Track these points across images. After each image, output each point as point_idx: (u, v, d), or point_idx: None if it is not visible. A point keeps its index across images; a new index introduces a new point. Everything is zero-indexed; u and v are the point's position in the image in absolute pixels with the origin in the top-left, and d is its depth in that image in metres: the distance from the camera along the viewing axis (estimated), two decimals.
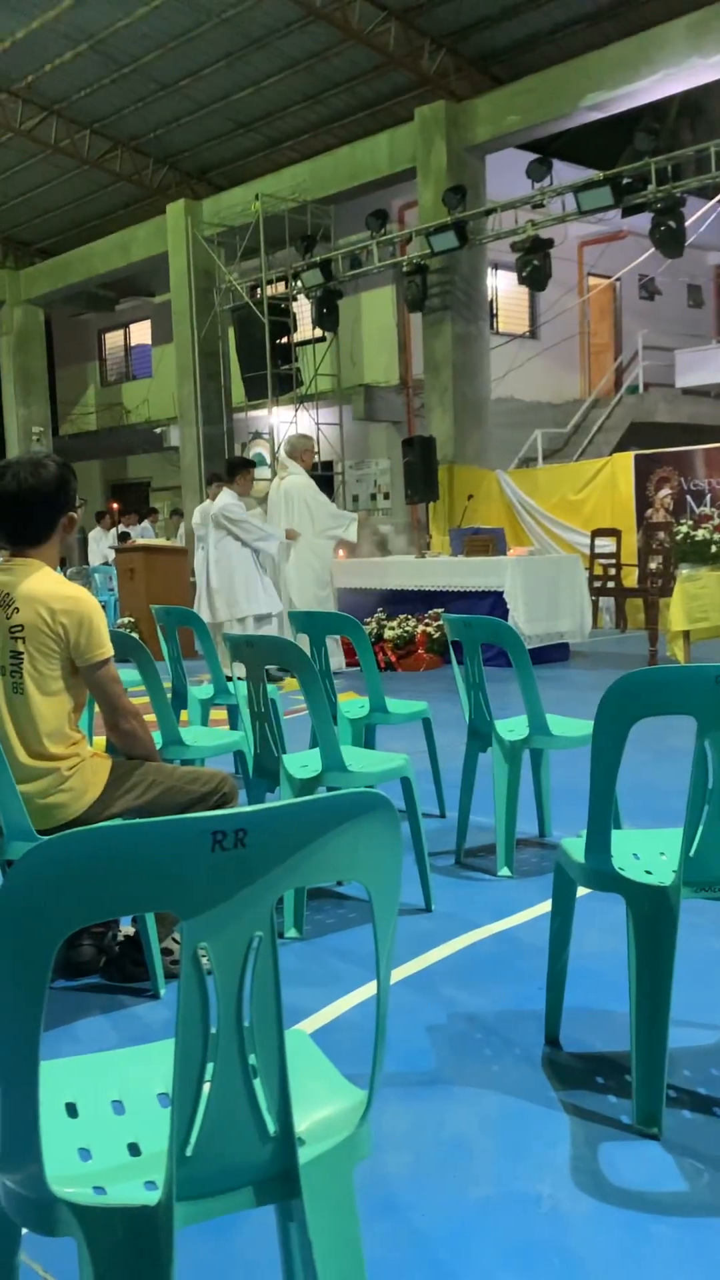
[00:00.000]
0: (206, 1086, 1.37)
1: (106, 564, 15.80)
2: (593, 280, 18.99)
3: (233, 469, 8.53)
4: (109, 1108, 1.58)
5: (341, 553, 11.20)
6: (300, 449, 9.28)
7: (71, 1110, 1.57)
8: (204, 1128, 1.37)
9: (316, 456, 14.89)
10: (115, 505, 19.12)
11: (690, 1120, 2.31)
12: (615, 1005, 2.79)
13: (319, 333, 16.40)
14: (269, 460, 16.28)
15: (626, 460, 12.79)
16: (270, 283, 16.09)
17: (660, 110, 17.26)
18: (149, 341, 22.63)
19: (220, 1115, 1.38)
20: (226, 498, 8.43)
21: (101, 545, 16.69)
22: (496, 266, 16.54)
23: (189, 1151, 1.36)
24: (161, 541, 14.58)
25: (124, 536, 16.09)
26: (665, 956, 2.24)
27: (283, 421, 16.64)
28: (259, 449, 18.17)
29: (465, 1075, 2.54)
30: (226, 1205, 1.40)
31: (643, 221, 12.47)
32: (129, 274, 20.08)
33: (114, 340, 24.03)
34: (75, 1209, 1.32)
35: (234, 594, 8.36)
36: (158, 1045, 1.74)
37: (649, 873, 2.38)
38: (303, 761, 3.72)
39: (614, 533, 12.25)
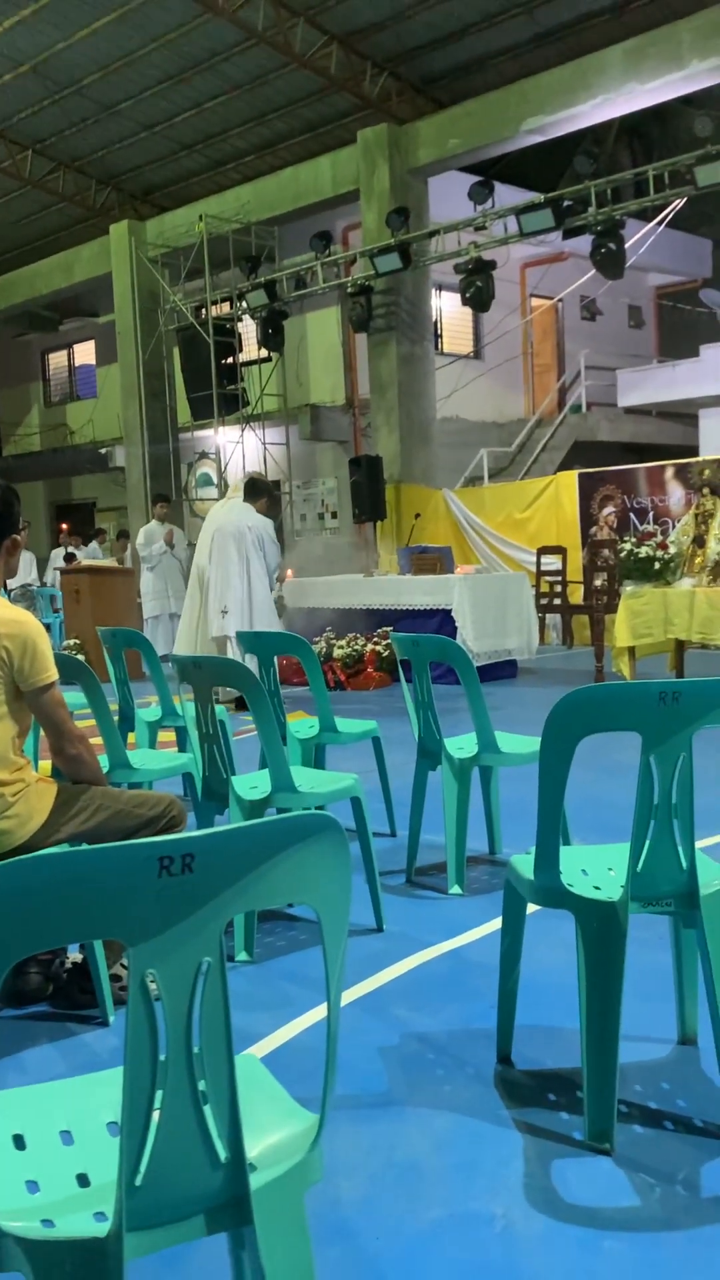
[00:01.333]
0: (156, 1114, 1.36)
1: (35, 586, 15.64)
2: (535, 301, 19.21)
3: (259, 491, 8.51)
4: (57, 1138, 1.56)
5: (289, 573, 11.20)
6: (264, 489, 9.24)
7: (19, 1142, 1.54)
8: (154, 1156, 1.35)
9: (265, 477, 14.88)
10: (65, 527, 18.96)
11: (641, 1135, 2.32)
12: (566, 1022, 2.80)
13: (265, 353, 16.42)
14: (215, 480, 16.25)
15: (571, 479, 12.93)
16: (215, 303, 16.09)
17: (600, 134, 17.56)
18: (93, 362, 22.53)
19: (170, 1143, 1.37)
20: (253, 516, 8.34)
21: (32, 568, 16.43)
22: (440, 288, 16.67)
23: (139, 1181, 1.35)
24: (108, 563, 14.47)
25: (70, 558, 15.96)
26: (614, 972, 2.26)
27: (229, 441, 16.63)
28: (205, 469, 18.15)
29: (417, 1096, 2.53)
30: (178, 1235, 1.39)
31: (583, 244, 12.65)
32: (73, 294, 19.98)
33: (58, 360, 23.89)
34: (22, 1243, 1.30)
35: (252, 612, 8.26)
36: (107, 1073, 1.72)
37: (597, 888, 2.39)
38: (252, 783, 3.71)
39: (559, 550, 12.37)
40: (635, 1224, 2.04)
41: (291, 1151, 1.49)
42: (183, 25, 13.14)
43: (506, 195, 13.52)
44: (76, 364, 23.46)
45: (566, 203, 11.83)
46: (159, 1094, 1.35)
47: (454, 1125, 2.40)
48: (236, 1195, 1.41)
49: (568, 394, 19.18)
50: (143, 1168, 1.35)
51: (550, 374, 20.02)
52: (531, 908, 2.57)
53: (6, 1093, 1.66)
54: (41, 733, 3.10)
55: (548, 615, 12.52)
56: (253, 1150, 1.46)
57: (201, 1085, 1.39)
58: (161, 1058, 1.34)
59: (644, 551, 8.12)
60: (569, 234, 12.18)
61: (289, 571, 11.25)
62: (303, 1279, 1.47)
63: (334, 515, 17.37)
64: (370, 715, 5.54)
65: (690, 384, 17.80)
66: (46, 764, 3.49)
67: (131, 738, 5.35)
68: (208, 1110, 1.40)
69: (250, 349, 16.95)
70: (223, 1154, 1.41)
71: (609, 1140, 2.26)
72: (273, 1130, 1.53)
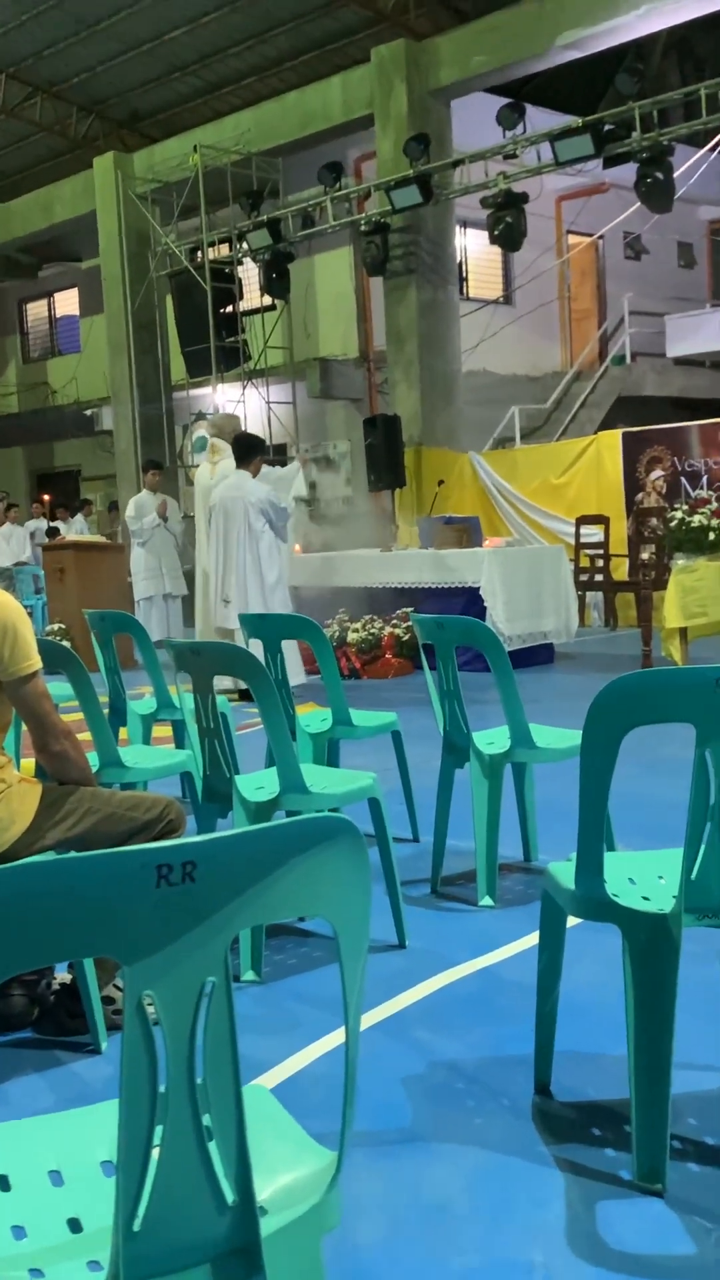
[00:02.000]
0: (155, 1152, 1.36)
1: (20, 564, 15.71)
2: (572, 239, 19.10)
3: (250, 450, 8.44)
4: (46, 1179, 1.57)
5: (296, 547, 11.21)
6: (229, 429, 9.26)
7: (3, 1183, 1.56)
8: (153, 1199, 1.36)
9: (268, 441, 14.89)
10: (47, 498, 19.01)
11: (697, 1174, 2.33)
12: (611, 1047, 2.80)
13: (268, 301, 16.40)
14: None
15: (613, 439, 12.88)
16: (212, 245, 16.07)
17: (645, 49, 17.42)
18: (76, 312, 22.52)
19: (171, 1184, 1.37)
20: (250, 484, 8.30)
21: (12, 543, 16.50)
22: (465, 225, 16.59)
23: (137, 1226, 1.36)
24: (95, 538, 14.50)
25: (53, 532, 16.01)
26: (666, 992, 2.26)
27: (229, 400, 16.62)
28: (202, 432, 18.11)
29: (445, 1130, 2.54)
30: None
31: (627, 173, 12.57)
32: (52, 237, 19.96)
33: (37, 311, 23.90)
34: None
35: (264, 598, 8.25)
36: (100, 1107, 1.73)
37: (646, 899, 2.39)
38: (258, 783, 3.71)
39: (601, 520, 12.32)
40: (690, 1273, 2.05)
41: (306, 1193, 1.50)
42: None
43: (539, 119, 13.43)
44: (58, 315, 23.45)
45: (607, 127, 11.75)
46: (158, 1130, 1.35)
47: (486, 1163, 2.41)
48: (245, 1242, 1.42)
49: (610, 343, 19.08)
50: (141, 1212, 1.36)
51: (590, 321, 19.91)
52: (572, 921, 2.57)
53: None
54: (24, 728, 3.11)
55: (588, 593, 12.49)
56: (263, 1192, 1.46)
57: (206, 1120, 1.39)
58: (161, 1089, 1.35)
59: (697, 520, 8.08)
60: (610, 162, 12.10)
61: (296, 546, 11.25)
62: None
63: (347, 483, 17.36)
64: (389, 707, 5.55)
65: None
66: (29, 762, 3.51)
67: (123, 733, 5.36)
68: (213, 1147, 1.40)
69: (252, 296, 16.92)
70: (230, 1196, 1.41)
71: (660, 1180, 2.27)
72: (285, 1170, 1.53)
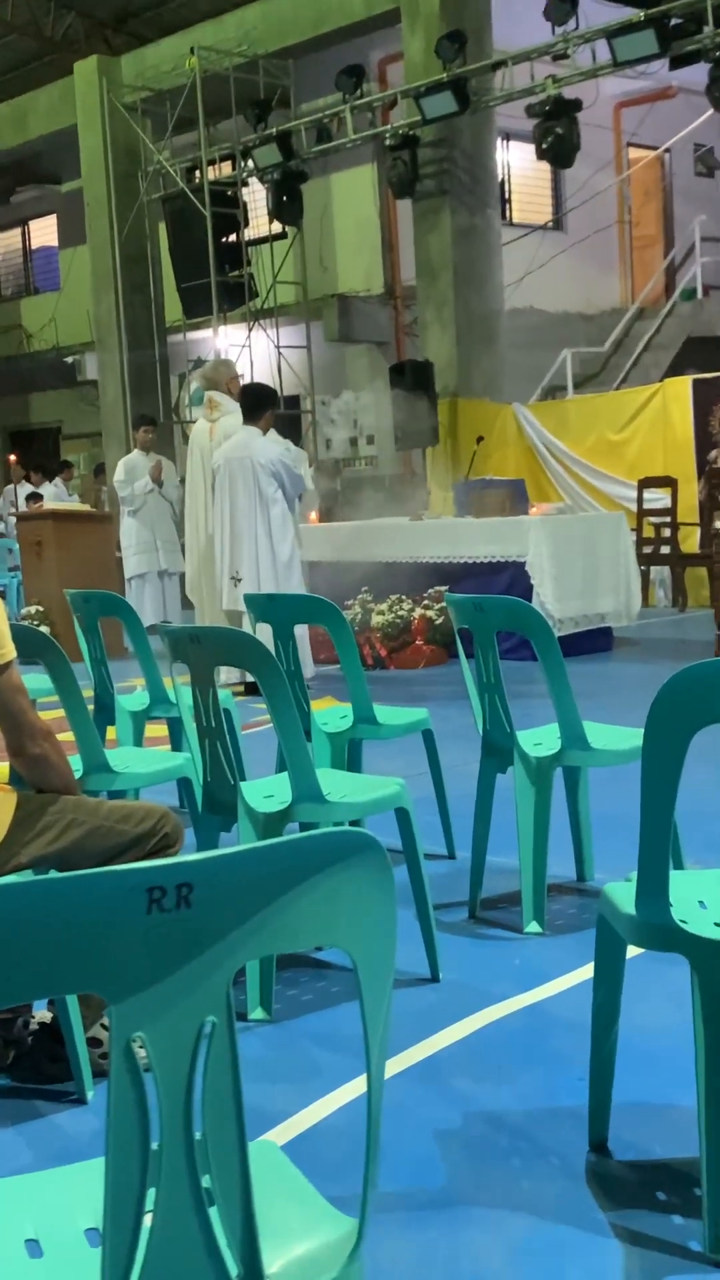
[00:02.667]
0: (148, 1219, 1.37)
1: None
2: (634, 153, 18.99)
3: (260, 402, 8.44)
4: (22, 1249, 1.58)
5: (313, 515, 11.22)
6: (225, 378, 9.25)
7: None
8: (145, 1272, 1.37)
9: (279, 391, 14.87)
10: (14, 458, 19.05)
11: None
12: (679, 1098, 2.80)
13: (277, 228, 16.36)
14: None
15: (682, 387, 12.82)
16: (212, 163, 16.04)
17: None
18: (55, 243, 22.54)
19: (166, 1256, 1.38)
20: (260, 443, 8.30)
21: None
22: (508, 137, 16.50)
23: None
24: (79, 506, 14.54)
25: (34, 497, 16.04)
26: None
27: (233, 345, 16.61)
28: (198, 382, 18.10)
29: (486, 1193, 2.55)
30: None
31: (697, 75, 12.46)
32: (26, 155, 19.95)
33: (8, 242, 23.92)
34: None
35: (277, 576, 8.26)
36: (84, 1166, 1.74)
37: (719, 925, 2.39)
38: (267, 791, 3.72)
39: (668, 482, 12.27)
40: None
41: (323, 1266, 1.50)
42: None
43: (595, 13, 13.33)
44: (34, 246, 23.47)
45: (674, 21, 11.66)
46: (151, 1193, 1.36)
47: (534, 1231, 2.41)
48: None
49: (678, 275, 18.97)
50: None
51: (654, 249, 19.80)
52: (633, 950, 2.57)
53: None
54: None
55: (653, 568, 12.45)
56: (273, 1264, 1.47)
57: (206, 1181, 1.40)
58: (154, 1146, 1.35)
59: None
60: (677, 62, 12.01)
61: (313, 514, 11.27)
62: None
63: (370, 440, 17.33)
64: (420, 702, 5.55)
65: None
66: (3, 767, 3.52)
67: (112, 733, 5.37)
68: (214, 1213, 1.41)
69: (259, 223, 16.87)
70: (233, 1270, 1.42)
71: None
72: (298, 1239, 1.54)
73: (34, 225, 23.28)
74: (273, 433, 8.63)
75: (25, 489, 17.17)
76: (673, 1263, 2.29)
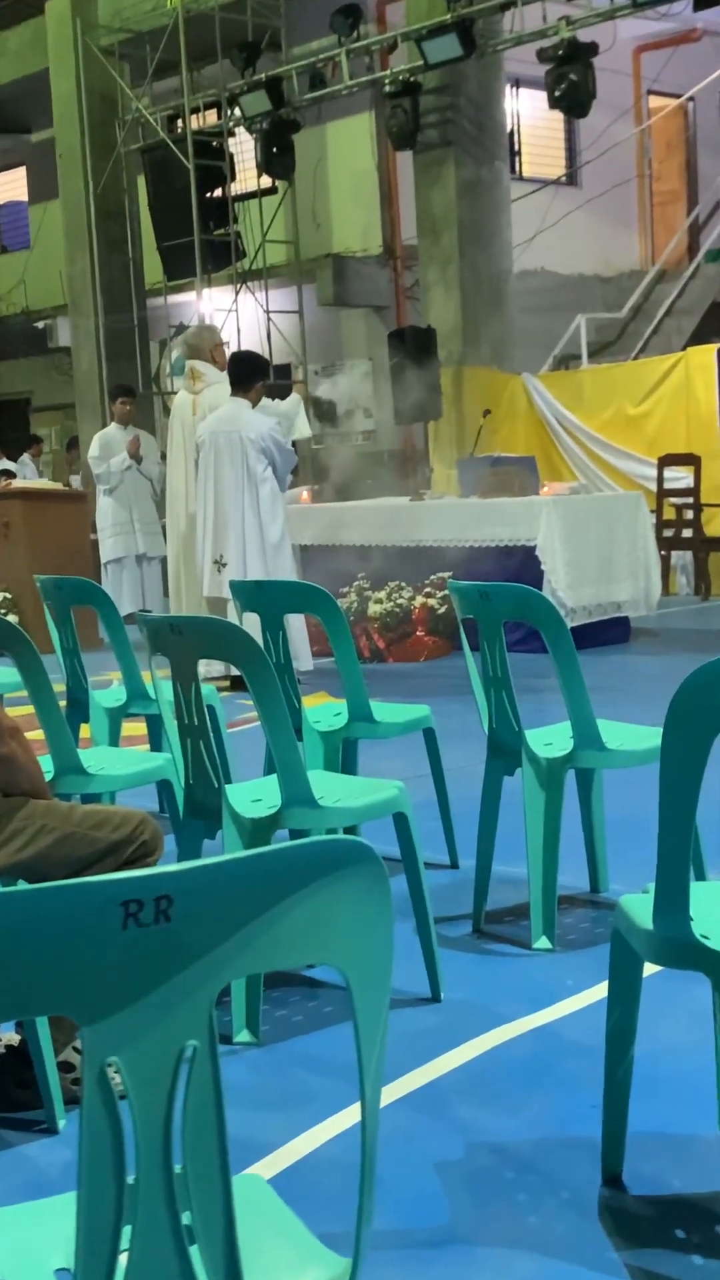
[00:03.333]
0: (123, 1258, 1.38)
1: None
2: (655, 101, 18.96)
3: (249, 372, 8.44)
4: None
5: (305, 495, 11.21)
6: (209, 345, 9.24)
7: None
8: None
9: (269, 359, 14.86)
10: None
11: None
12: (700, 1127, 2.81)
13: (267, 182, 16.33)
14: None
15: (706, 356, 12.82)
16: (196, 111, 16.00)
17: None
18: (24, 198, 22.50)
19: None
20: (248, 416, 8.27)
21: None
22: (518, 84, 16.47)
23: None
24: (50, 485, 14.53)
25: (4, 474, 16.02)
26: None
27: (218, 309, 16.59)
28: (180, 350, 18.09)
29: (491, 1230, 2.55)
30: None
31: None
32: None
33: None
34: None
35: (265, 561, 8.24)
36: (55, 1200, 1.75)
37: None
38: (254, 794, 3.72)
39: (690, 460, 12.27)
40: None
41: None
42: None
43: None
44: (0, 201, 23.42)
45: None
46: (127, 1230, 1.37)
47: (542, 1272, 2.42)
48: None
49: (703, 234, 18.96)
50: None
51: (678, 206, 19.78)
52: (650, 968, 2.58)
53: None
54: None
55: (674, 553, 12.45)
56: None
57: (186, 1218, 1.40)
58: (130, 1179, 1.36)
59: None
60: (702, 3, 11.99)
61: (304, 493, 11.26)
62: None
63: (367, 414, 17.33)
64: (421, 698, 5.55)
65: None
66: None
67: (85, 731, 5.38)
68: (194, 1253, 1.42)
69: (247, 177, 16.85)
70: None
71: None
72: (286, 1279, 1.55)
73: (2, 178, 23.23)
74: (264, 403, 8.62)
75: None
76: None
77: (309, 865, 1.39)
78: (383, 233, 17.31)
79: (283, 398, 9.50)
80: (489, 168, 14.11)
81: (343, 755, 4.76)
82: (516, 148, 17.59)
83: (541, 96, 13.20)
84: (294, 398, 9.63)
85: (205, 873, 1.32)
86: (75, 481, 16.21)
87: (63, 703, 4.60)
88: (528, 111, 17.75)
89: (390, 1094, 3.06)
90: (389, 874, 1.44)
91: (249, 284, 16.90)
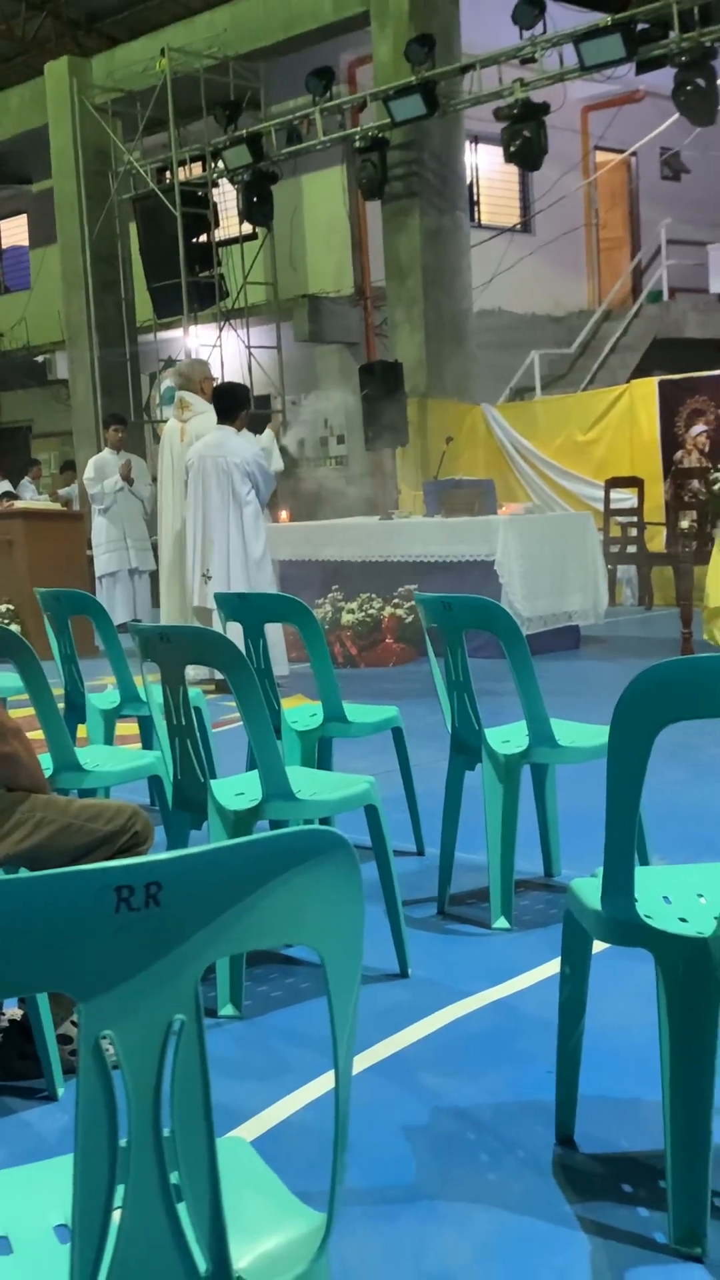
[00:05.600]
0: (116, 1215, 1.37)
1: None
2: (601, 156, 19.02)
3: (233, 403, 8.42)
4: None
5: (284, 514, 11.21)
6: (198, 378, 9.25)
7: None
8: (114, 1268, 1.37)
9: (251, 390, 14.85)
10: None
11: None
12: (644, 1092, 2.81)
13: (248, 229, 16.33)
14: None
15: (649, 388, 12.86)
16: (183, 164, 15.99)
17: None
18: (25, 242, 22.43)
19: (134, 1252, 1.38)
20: (235, 443, 8.28)
21: None
22: (477, 140, 16.51)
23: None
24: (49, 505, 14.49)
25: (5, 496, 15.96)
26: (706, 1028, 2.27)
27: (203, 345, 16.58)
28: (171, 381, 18.07)
29: (454, 1188, 2.55)
30: None
31: (663, 80, 12.50)
32: None
33: None
34: None
35: (248, 574, 8.23)
36: (53, 1162, 1.74)
37: (684, 920, 2.40)
38: (237, 789, 3.72)
39: (635, 482, 12.31)
40: None
41: (291, 1261, 1.50)
42: None
43: (562, 17, 13.36)
44: (4, 246, 23.36)
45: (641, 25, 11.69)
46: (119, 1189, 1.36)
47: (501, 1225, 2.42)
48: None
49: (644, 277, 19.03)
50: None
51: (622, 251, 19.85)
52: (599, 946, 2.58)
53: None
54: None
55: (620, 567, 12.48)
56: (241, 1260, 1.47)
57: (174, 1177, 1.40)
58: (122, 1142, 1.35)
59: None
60: (644, 67, 12.05)
61: (283, 513, 11.25)
62: None
63: (340, 440, 17.33)
64: (390, 700, 5.55)
65: None
66: None
67: (82, 731, 5.36)
68: (182, 1209, 1.41)
69: (229, 224, 16.84)
70: (202, 1265, 1.42)
71: (700, 1244, 2.28)
72: (266, 1234, 1.54)
73: (5, 225, 23.17)
74: (245, 432, 8.63)
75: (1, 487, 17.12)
76: (639, 1254, 2.30)
77: (287, 854, 1.39)
78: (354, 275, 17.31)
79: (258, 432, 9.51)
80: (450, 216, 14.14)
81: (318, 752, 4.75)
82: (475, 198, 17.63)
83: (498, 151, 13.25)
84: (268, 434, 9.65)
85: (192, 861, 1.32)
86: (69, 494, 16.20)
87: (61, 705, 4.58)
88: (485, 165, 17.80)
89: (361, 1063, 3.05)
90: (360, 861, 1.43)
91: (231, 321, 16.89)
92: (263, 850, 1.38)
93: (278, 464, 9.38)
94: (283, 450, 11.09)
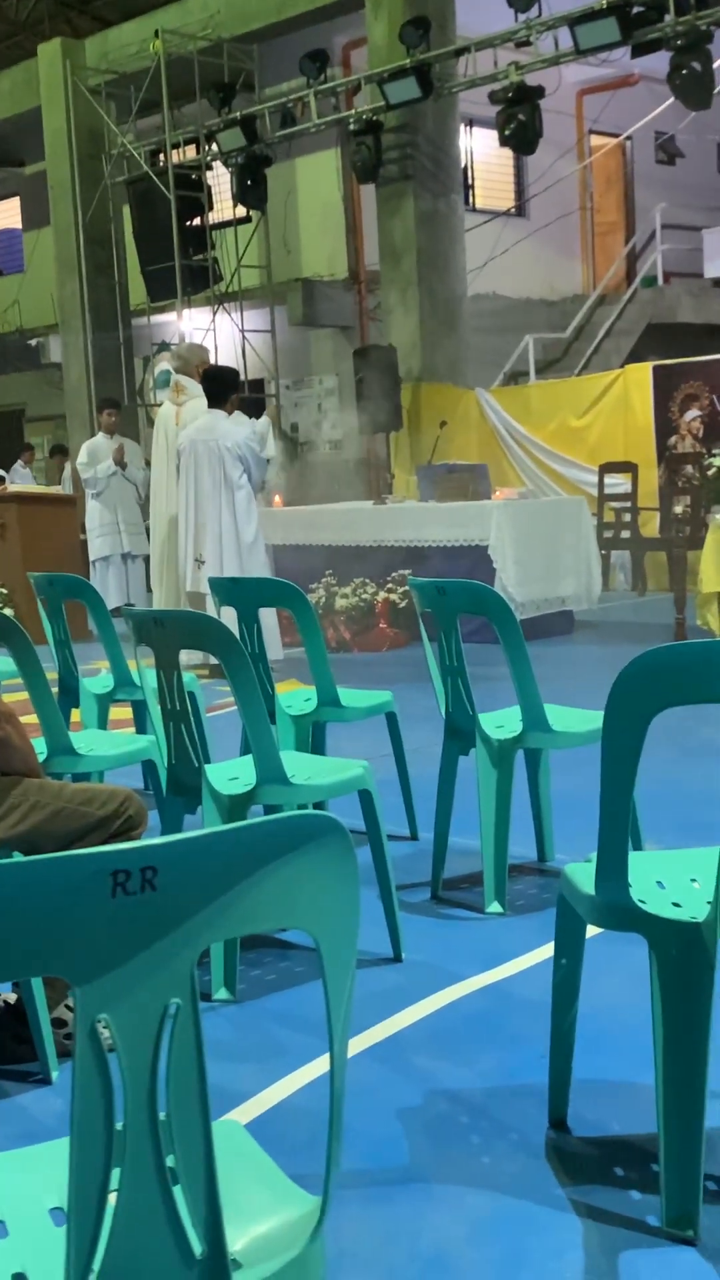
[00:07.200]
0: (112, 1198, 1.37)
1: None
2: (596, 140, 18.98)
3: (224, 386, 8.40)
4: None
5: (278, 499, 11.20)
6: (196, 362, 9.24)
7: None
8: (110, 1251, 1.37)
9: (243, 375, 14.82)
10: None
11: None
12: (637, 1075, 2.82)
13: (242, 212, 16.28)
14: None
15: (642, 373, 12.84)
16: (176, 146, 15.93)
17: None
18: (19, 225, 22.35)
19: (130, 1234, 1.38)
20: (226, 426, 8.26)
21: None
22: (471, 123, 16.45)
23: None
24: (42, 488, 14.46)
25: None
26: (699, 1012, 2.27)
27: (197, 328, 16.54)
28: (165, 365, 18.05)
29: (447, 1170, 2.56)
30: None
31: (659, 63, 12.46)
32: None
33: None
34: None
35: (240, 559, 8.22)
36: (48, 1146, 1.74)
37: (677, 905, 2.41)
38: (231, 773, 3.72)
39: (628, 467, 12.30)
40: None
41: (286, 1243, 1.51)
42: None
43: (557, 1, 13.32)
44: None
45: (636, 9, 11.65)
46: (115, 1172, 1.36)
47: (494, 1207, 2.43)
48: None
49: (639, 261, 18.99)
50: (96, 1266, 1.37)
51: (616, 235, 19.82)
52: (592, 930, 2.59)
53: None
54: None
55: (613, 552, 12.48)
56: (236, 1242, 1.48)
57: (170, 1160, 1.40)
58: (118, 1126, 1.36)
59: None
60: (640, 50, 12.00)
61: (276, 497, 11.24)
62: None
63: (334, 425, 17.30)
64: (384, 684, 5.55)
65: None
66: None
67: (76, 715, 5.36)
68: (177, 1192, 1.42)
69: (223, 207, 16.79)
70: (198, 1248, 1.43)
71: (693, 1226, 2.29)
72: (261, 1217, 1.55)
73: None
74: (237, 414, 8.62)
75: None
76: (631, 1237, 2.31)
77: (282, 838, 1.39)
78: (348, 259, 17.26)
79: (256, 416, 9.50)
80: (445, 200, 14.10)
81: (312, 737, 4.77)
82: (470, 181, 17.58)
83: (493, 135, 13.19)
84: (265, 419, 9.63)
85: (187, 845, 1.32)
86: (64, 485, 16.14)
87: (55, 689, 4.58)
88: (480, 148, 17.74)
89: (355, 1046, 3.06)
90: (354, 845, 1.44)
91: (225, 305, 16.85)
92: (258, 835, 1.38)
93: (271, 450, 9.35)
94: (285, 435, 11.09)
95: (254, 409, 9.77)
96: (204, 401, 8.59)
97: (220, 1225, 1.43)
